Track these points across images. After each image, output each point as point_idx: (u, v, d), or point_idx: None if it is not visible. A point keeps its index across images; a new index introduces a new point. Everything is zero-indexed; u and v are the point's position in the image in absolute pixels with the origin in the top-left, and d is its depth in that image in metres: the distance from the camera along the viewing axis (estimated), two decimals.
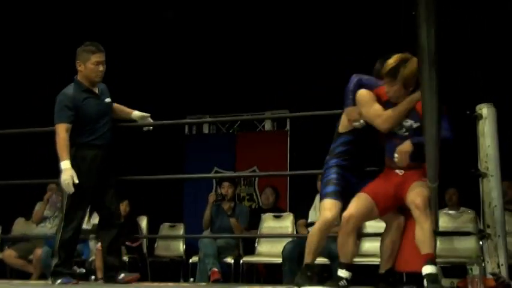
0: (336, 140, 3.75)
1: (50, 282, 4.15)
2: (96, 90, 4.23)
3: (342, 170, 3.69)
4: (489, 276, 3.72)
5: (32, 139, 7.13)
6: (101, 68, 4.15)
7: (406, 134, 3.49)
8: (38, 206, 6.61)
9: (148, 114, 4.57)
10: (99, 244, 4.97)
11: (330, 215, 3.64)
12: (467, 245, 5.37)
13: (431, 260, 3.29)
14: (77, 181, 3.94)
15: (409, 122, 3.49)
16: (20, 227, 6.93)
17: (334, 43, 7.15)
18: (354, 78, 3.66)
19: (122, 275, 4.19)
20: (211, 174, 8.07)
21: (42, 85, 8.05)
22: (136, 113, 4.53)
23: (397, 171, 3.53)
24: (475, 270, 3.52)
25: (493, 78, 6.51)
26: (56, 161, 6.91)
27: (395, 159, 3.44)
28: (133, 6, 7.03)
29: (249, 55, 7.62)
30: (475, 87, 6.25)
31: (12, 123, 5.87)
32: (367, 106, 3.53)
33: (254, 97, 8.01)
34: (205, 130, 9.03)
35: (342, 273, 3.63)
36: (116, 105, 4.48)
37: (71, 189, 3.94)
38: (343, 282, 3.60)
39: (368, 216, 3.61)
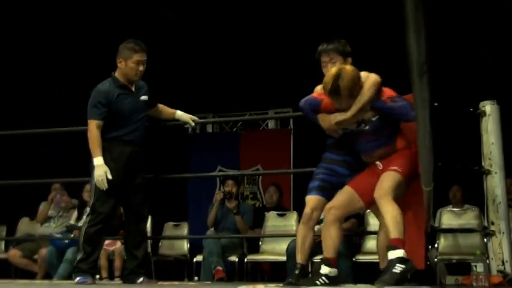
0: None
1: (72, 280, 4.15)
2: (133, 88, 4.18)
3: (329, 163, 3.70)
4: (495, 274, 3.73)
5: (36, 139, 7.15)
6: (141, 67, 4.10)
7: (367, 128, 3.47)
8: (42, 206, 6.62)
9: (193, 117, 4.61)
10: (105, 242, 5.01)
11: (308, 210, 3.67)
12: (471, 242, 5.37)
13: (395, 245, 3.18)
14: (110, 177, 3.93)
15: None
16: (24, 226, 6.93)
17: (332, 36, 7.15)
18: (304, 104, 3.80)
19: (141, 279, 4.17)
20: (215, 173, 8.08)
21: (43, 85, 8.11)
22: (179, 113, 4.55)
23: (376, 163, 3.51)
24: (480, 267, 3.53)
25: (496, 76, 6.51)
26: (59, 161, 6.97)
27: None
28: (136, 6, 7.04)
29: (251, 54, 7.63)
30: (478, 85, 6.25)
31: (15, 124, 5.90)
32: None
33: (257, 96, 8.02)
34: (209, 129, 9.05)
35: (324, 269, 3.53)
36: (159, 105, 4.47)
37: (105, 186, 3.93)
38: (321, 280, 3.49)
39: (351, 207, 3.57)
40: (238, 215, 6.03)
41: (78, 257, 4.05)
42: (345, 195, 3.53)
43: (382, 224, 3.47)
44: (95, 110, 4.04)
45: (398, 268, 3.10)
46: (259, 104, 8.23)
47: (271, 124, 8.72)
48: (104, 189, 3.94)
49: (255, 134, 8.78)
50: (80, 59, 7.84)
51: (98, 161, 3.95)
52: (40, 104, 8.12)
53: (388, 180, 3.34)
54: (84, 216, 4.34)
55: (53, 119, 7.14)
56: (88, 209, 4.12)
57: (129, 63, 4.07)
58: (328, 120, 3.56)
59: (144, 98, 4.23)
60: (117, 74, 4.15)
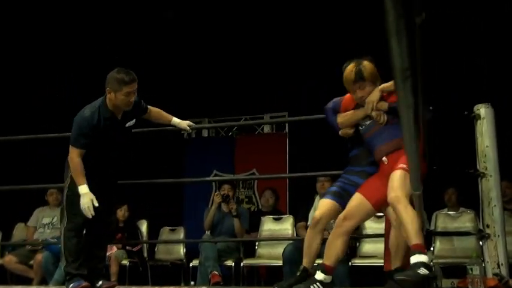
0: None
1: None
2: (120, 115, 4.07)
3: (350, 174, 3.73)
4: (491, 276, 3.74)
5: (30, 144, 7.13)
6: (132, 98, 3.98)
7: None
8: (38, 211, 6.63)
9: (189, 123, 4.59)
10: None
11: (318, 213, 3.67)
12: (466, 245, 5.38)
13: (420, 250, 3.14)
14: (96, 204, 3.90)
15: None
16: (20, 232, 6.92)
17: (333, 46, 7.16)
18: (328, 104, 3.83)
19: (100, 282, 4.19)
20: (211, 178, 8.08)
21: (39, 91, 8.09)
22: (175, 120, 4.50)
23: (383, 159, 3.52)
24: (475, 270, 3.55)
25: (491, 79, 6.54)
26: (55, 166, 6.91)
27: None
28: (133, 9, 7.04)
29: (247, 58, 7.64)
30: (473, 88, 6.27)
31: (9, 129, 5.88)
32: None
33: (253, 100, 8.03)
34: (205, 134, 9.07)
35: (319, 275, 3.49)
36: (154, 109, 4.41)
37: (92, 213, 3.90)
38: (315, 286, 3.46)
39: (363, 213, 3.55)
40: (237, 217, 6.05)
41: (63, 264, 4.11)
42: (355, 201, 3.53)
43: (395, 226, 3.46)
44: (80, 139, 3.97)
45: (423, 271, 3.07)
46: (254, 108, 8.24)
47: (266, 128, 8.73)
48: (90, 217, 3.93)
49: (251, 138, 8.79)
50: (77, 60, 7.83)
51: (83, 189, 3.92)
52: (35, 109, 8.11)
53: (398, 180, 3.31)
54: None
55: (50, 123, 7.15)
56: (65, 216, 4.11)
57: (119, 96, 3.93)
58: (344, 116, 3.68)
59: (130, 123, 4.16)
60: (107, 102, 4.01)
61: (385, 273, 3.59)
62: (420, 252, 3.12)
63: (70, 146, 4.00)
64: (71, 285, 4.00)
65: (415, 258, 3.12)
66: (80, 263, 4.08)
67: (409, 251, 3.24)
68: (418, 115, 2.00)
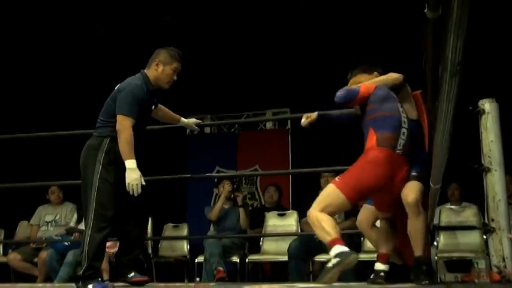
0: None
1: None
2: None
3: None
4: (494, 269, 3.75)
5: (32, 143, 7.14)
6: (175, 77, 3.98)
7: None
8: (40, 209, 6.64)
9: (195, 120, 4.59)
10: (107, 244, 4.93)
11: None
12: (470, 239, 5.40)
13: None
14: (144, 183, 3.71)
15: None
16: (23, 230, 6.92)
17: (335, 41, 7.17)
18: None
19: (132, 273, 4.01)
20: (214, 174, 8.09)
21: (41, 90, 8.10)
22: (183, 120, 4.48)
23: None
24: (481, 264, 3.56)
25: (495, 74, 6.53)
26: (56, 164, 6.90)
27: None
28: (134, 8, 7.03)
29: (248, 54, 7.63)
30: (477, 83, 6.27)
31: (11, 127, 5.89)
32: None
33: (255, 96, 8.03)
34: (207, 130, 9.06)
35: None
36: (163, 108, 4.33)
37: (139, 191, 3.69)
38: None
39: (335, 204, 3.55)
40: (242, 207, 6.14)
41: (84, 265, 3.71)
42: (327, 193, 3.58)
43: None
44: (133, 107, 3.75)
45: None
46: (256, 104, 8.24)
47: (269, 124, 8.74)
48: (136, 194, 3.71)
49: (253, 134, 8.79)
50: (73, 61, 7.84)
51: (132, 164, 3.68)
52: (36, 107, 8.12)
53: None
54: (84, 221, 4.10)
55: (51, 121, 7.16)
56: (90, 211, 3.72)
57: (167, 69, 3.92)
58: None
59: (155, 105, 4.10)
60: (150, 76, 3.95)
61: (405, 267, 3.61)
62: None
63: (121, 115, 3.73)
64: (91, 286, 3.69)
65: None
66: (98, 266, 3.80)
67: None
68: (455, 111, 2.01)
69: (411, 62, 3.37)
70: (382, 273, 3.66)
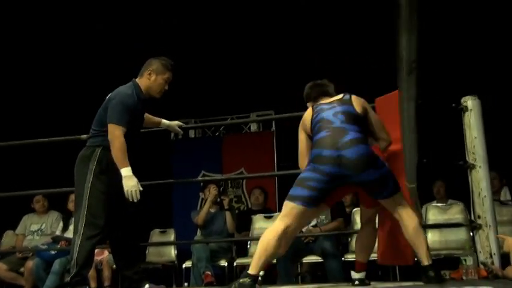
0: None
1: None
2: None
3: None
4: (481, 266, 3.77)
5: (18, 151, 7.08)
6: (166, 87, 4.02)
7: None
8: (25, 218, 6.59)
9: (178, 123, 4.57)
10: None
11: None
12: (457, 236, 5.42)
13: None
14: (141, 189, 3.70)
15: None
16: (8, 239, 6.86)
17: (318, 43, 7.19)
18: None
19: (147, 286, 3.95)
20: (200, 178, 8.07)
21: (29, 97, 8.03)
22: (165, 122, 4.46)
23: None
24: (469, 261, 3.58)
25: (477, 71, 6.59)
26: (41, 173, 6.83)
27: None
28: (121, 11, 7.00)
29: (231, 57, 7.63)
30: (460, 80, 6.32)
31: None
32: None
33: (239, 99, 8.03)
34: (191, 134, 9.05)
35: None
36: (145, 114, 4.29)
37: (137, 197, 3.67)
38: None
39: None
40: (229, 210, 6.14)
41: (72, 272, 3.69)
42: None
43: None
44: (124, 116, 3.76)
45: None
46: (240, 107, 8.23)
47: (253, 127, 8.74)
48: (136, 200, 3.69)
49: (238, 138, 8.79)
50: (67, 65, 7.80)
51: (128, 171, 3.68)
52: (22, 115, 8.06)
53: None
54: (74, 229, 3.91)
55: (35, 129, 7.10)
56: (80, 221, 3.73)
57: (159, 79, 3.96)
58: None
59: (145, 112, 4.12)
60: (141, 85, 3.98)
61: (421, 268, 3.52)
62: None
63: (112, 124, 3.74)
64: None
65: None
66: (86, 272, 3.81)
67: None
68: (417, 107, 2.02)
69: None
70: (356, 282, 3.72)
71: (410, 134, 2.62)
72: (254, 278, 3.24)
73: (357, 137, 3.33)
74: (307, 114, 3.63)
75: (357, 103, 3.50)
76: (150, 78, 3.97)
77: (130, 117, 3.81)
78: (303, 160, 3.60)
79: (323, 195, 3.36)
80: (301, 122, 3.67)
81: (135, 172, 3.76)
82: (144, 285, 3.93)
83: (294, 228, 3.43)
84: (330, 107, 3.53)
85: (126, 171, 3.69)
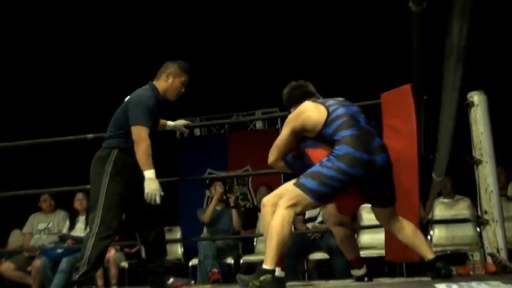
0: None
1: None
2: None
3: None
4: (488, 258, 3.76)
5: (25, 151, 7.10)
6: (183, 90, 4.05)
7: None
8: (32, 218, 6.60)
9: (184, 122, 4.58)
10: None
11: None
12: (464, 232, 5.41)
13: None
14: (162, 193, 3.70)
15: None
16: (16, 239, 6.88)
17: (318, 43, 7.19)
18: None
19: (171, 280, 3.97)
20: (207, 176, 8.08)
21: (35, 98, 8.06)
22: (170, 123, 4.47)
23: None
24: (476, 256, 3.57)
25: (483, 66, 6.56)
26: (48, 172, 6.84)
27: None
28: (121, 11, 7.01)
29: (236, 55, 7.63)
30: (466, 75, 6.29)
31: (5, 135, 5.84)
32: None
33: (244, 97, 8.03)
34: (197, 132, 9.05)
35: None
36: None
37: (158, 201, 3.67)
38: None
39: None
40: (235, 208, 6.14)
41: (82, 269, 3.70)
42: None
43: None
44: (147, 116, 3.76)
45: None
46: (246, 105, 8.24)
47: (258, 124, 8.74)
48: (154, 204, 3.67)
49: (243, 135, 8.80)
50: (67, 65, 7.82)
51: (151, 174, 3.67)
52: (30, 115, 8.08)
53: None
54: (87, 227, 4.10)
55: (41, 129, 7.11)
56: (96, 219, 3.75)
57: (176, 82, 4.00)
58: None
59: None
60: (158, 88, 4.00)
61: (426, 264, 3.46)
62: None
63: (137, 125, 3.73)
64: None
65: None
66: (95, 272, 3.85)
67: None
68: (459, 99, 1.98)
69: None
70: (365, 278, 3.71)
71: (448, 125, 2.57)
72: (273, 272, 3.08)
73: (382, 143, 3.25)
74: (312, 106, 3.40)
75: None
76: (168, 81, 4.00)
77: (153, 119, 3.84)
78: (276, 156, 3.50)
79: (337, 193, 3.21)
80: (298, 115, 3.41)
81: (143, 179, 3.73)
82: (169, 279, 3.95)
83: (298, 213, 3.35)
84: (344, 104, 3.37)
85: (149, 174, 3.68)
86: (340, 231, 3.75)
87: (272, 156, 3.53)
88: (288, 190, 3.20)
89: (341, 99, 3.48)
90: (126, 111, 3.85)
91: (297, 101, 3.58)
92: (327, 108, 3.33)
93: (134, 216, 3.96)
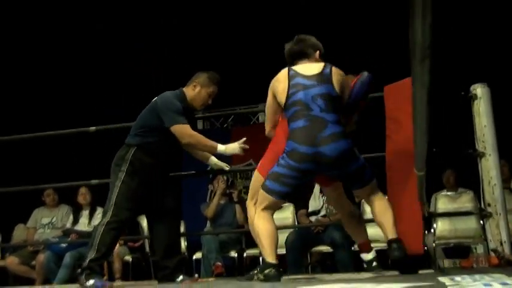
0: None
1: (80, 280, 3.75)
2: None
3: None
4: (491, 253, 3.76)
5: (28, 145, 7.11)
6: (210, 101, 4.09)
7: None
8: (36, 212, 6.62)
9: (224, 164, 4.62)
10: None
11: None
12: (467, 225, 5.40)
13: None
14: (244, 146, 4.08)
15: None
16: (20, 233, 6.91)
17: (324, 37, 7.16)
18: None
19: (181, 277, 3.99)
20: (210, 170, 8.05)
21: (35, 92, 8.07)
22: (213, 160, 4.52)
23: None
24: (479, 249, 3.57)
25: (486, 58, 6.55)
26: (52, 167, 6.86)
27: None
28: (121, 11, 7.02)
29: (238, 47, 7.62)
30: (469, 68, 6.28)
31: (5, 129, 5.85)
32: None
33: (247, 90, 8.01)
34: (200, 126, 9.05)
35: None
36: None
37: (242, 152, 4.10)
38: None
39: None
40: (238, 203, 6.13)
41: (91, 256, 3.72)
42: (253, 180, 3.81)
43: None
44: (180, 115, 3.86)
45: None
46: (249, 97, 8.22)
47: (262, 118, 8.73)
48: (239, 153, 4.08)
49: (246, 129, 8.77)
50: (69, 62, 7.82)
51: (221, 147, 3.99)
52: (32, 108, 8.09)
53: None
54: (99, 216, 4.23)
55: (44, 123, 7.12)
56: (108, 212, 3.80)
57: (203, 92, 4.03)
58: None
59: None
60: (186, 94, 4.05)
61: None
62: None
63: (176, 125, 3.83)
64: (92, 281, 3.68)
65: None
66: (103, 262, 3.95)
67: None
68: (430, 94, 2.00)
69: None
70: (374, 263, 3.59)
71: (422, 121, 2.59)
72: (276, 266, 3.19)
73: (337, 131, 3.19)
74: (282, 78, 3.42)
75: (336, 79, 3.33)
76: (195, 90, 4.04)
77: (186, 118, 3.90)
78: (268, 125, 3.66)
79: (299, 186, 3.34)
80: (272, 83, 3.48)
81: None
82: (178, 276, 3.99)
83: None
84: (309, 84, 3.31)
85: (220, 148, 3.99)
86: (347, 215, 3.73)
87: (267, 127, 3.68)
88: (259, 193, 3.37)
89: (319, 68, 3.41)
90: (152, 110, 3.93)
91: (288, 63, 3.65)
92: (289, 88, 3.36)
93: (150, 214, 4.06)
